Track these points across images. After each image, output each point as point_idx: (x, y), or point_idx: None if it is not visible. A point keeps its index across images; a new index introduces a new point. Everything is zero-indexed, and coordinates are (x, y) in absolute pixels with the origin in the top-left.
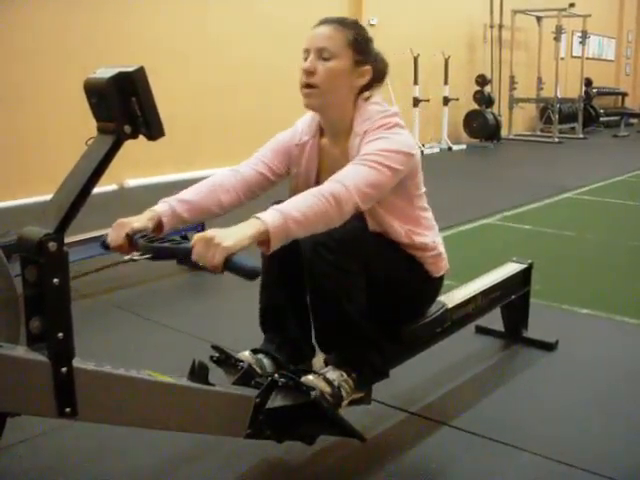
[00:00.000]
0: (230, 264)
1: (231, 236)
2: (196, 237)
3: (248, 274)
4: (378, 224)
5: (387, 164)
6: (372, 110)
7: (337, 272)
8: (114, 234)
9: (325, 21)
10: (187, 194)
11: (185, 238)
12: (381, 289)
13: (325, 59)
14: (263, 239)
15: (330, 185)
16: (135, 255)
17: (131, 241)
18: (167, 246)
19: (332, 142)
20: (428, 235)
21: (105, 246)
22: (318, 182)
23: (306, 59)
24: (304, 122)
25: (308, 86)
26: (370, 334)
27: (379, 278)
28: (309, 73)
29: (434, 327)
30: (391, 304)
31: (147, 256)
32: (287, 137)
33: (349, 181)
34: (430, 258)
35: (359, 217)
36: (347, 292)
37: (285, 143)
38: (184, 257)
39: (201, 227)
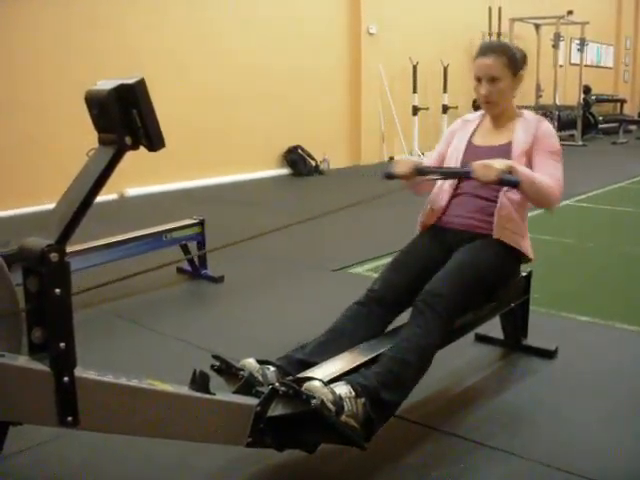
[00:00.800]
0: (502, 178)
1: (499, 163)
2: (475, 164)
3: (513, 183)
4: (522, 208)
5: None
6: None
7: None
8: (401, 166)
9: (484, 52)
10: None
11: (185, 247)
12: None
13: (494, 82)
14: (513, 170)
15: (550, 180)
16: (428, 177)
17: (415, 171)
18: (453, 169)
19: (493, 123)
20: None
21: (390, 176)
22: (470, 144)
23: (478, 81)
24: (473, 114)
25: (488, 102)
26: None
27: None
28: (487, 97)
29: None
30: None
31: (439, 177)
32: (457, 125)
33: (556, 181)
34: (528, 247)
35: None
36: (429, 352)
37: (453, 130)
38: (467, 176)
39: (201, 237)
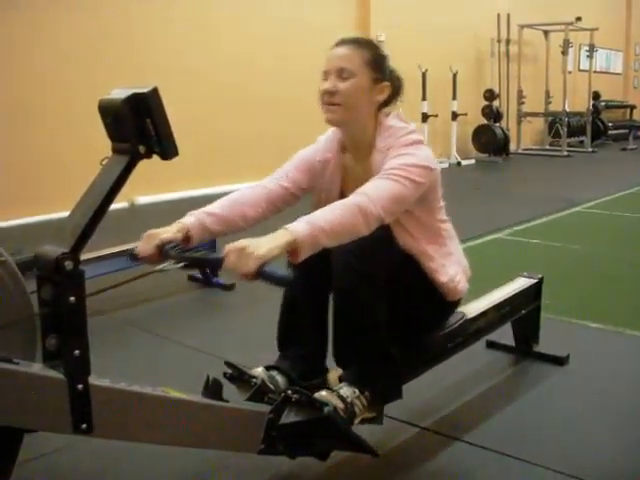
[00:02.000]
0: (263, 272)
1: (262, 245)
2: (228, 247)
3: (281, 281)
4: (402, 238)
5: (410, 177)
6: (393, 126)
7: (365, 282)
8: (144, 245)
9: (342, 42)
10: (213, 207)
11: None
12: (399, 302)
13: (344, 78)
14: (292, 248)
15: (356, 197)
16: (167, 265)
17: (160, 252)
18: (199, 256)
19: (354, 158)
20: (450, 264)
21: (134, 257)
22: (341, 197)
23: (326, 79)
24: (326, 139)
25: (330, 104)
26: (389, 351)
27: (397, 291)
28: (330, 93)
29: (454, 337)
30: (405, 318)
31: (179, 265)
32: (310, 153)
33: (374, 194)
34: (449, 284)
35: (386, 230)
36: (372, 305)
37: (308, 159)
38: (215, 267)
39: (213, 244)
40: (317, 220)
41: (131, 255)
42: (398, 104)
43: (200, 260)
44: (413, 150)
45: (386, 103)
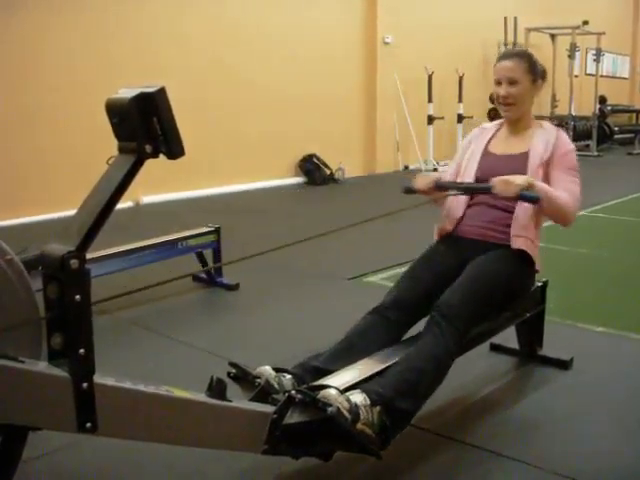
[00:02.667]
0: (522, 194)
1: (519, 179)
2: (496, 179)
3: (533, 200)
4: (538, 223)
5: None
6: (543, 124)
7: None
8: (422, 181)
9: (506, 56)
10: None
11: (201, 255)
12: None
13: (513, 84)
14: (530, 185)
15: (566, 194)
16: (450, 193)
17: (434, 186)
18: (474, 184)
19: (510, 130)
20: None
21: (410, 190)
22: (486, 150)
23: (498, 84)
24: (490, 123)
25: (507, 105)
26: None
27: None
28: (505, 97)
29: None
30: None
31: (459, 193)
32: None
33: (577, 200)
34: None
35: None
36: (444, 362)
37: (471, 138)
38: (487, 192)
39: (217, 244)
40: (550, 189)
41: (406, 188)
42: (404, 106)
43: (473, 187)
44: (575, 173)
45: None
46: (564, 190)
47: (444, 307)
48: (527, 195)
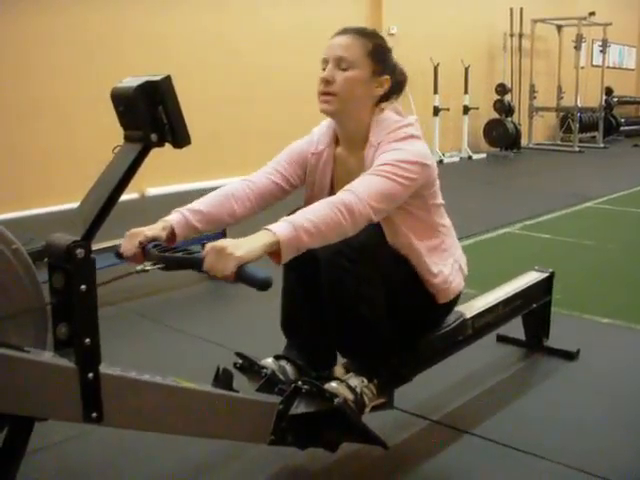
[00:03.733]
0: (242, 274)
1: (243, 246)
2: (208, 247)
3: (260, 284)
4: (395, 235)
5: (401, 174)
6: (388, 120)
7: (354, 279)
8: (127, 244)
9: (344, 31)
10: (200, 204)
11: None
12: (391, 301)
13: (344, 69)
14: (274, 250)
15: (342, 195)
16: (147, 265)
17: (144, 251)
18: (179, 256)
19: (348, 152)
20: (444, 263)
21: (119, 255)
22: (332, 192)
23: (324, 68)
24: (320, 131)
25: (326, 94)
26: (389, 339)
27: (389, 290)
28: (327, 82)
29: (452, 337)
30: (401, 319)
31: (159, 266)
32: (303, 146)
33: (362, 191)
34: (441, 285)
35: (377, 227)
36: (365, 298)
37: (301, 152)
38: (196, 267)
39: (222, 234)
40: (300, 220)
41: (116, 253)
42: (409, 97)
43: (180, 260)
44: (405, 145)
45: (386, 97)
46: (363, 178)
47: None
48: (250, 275)
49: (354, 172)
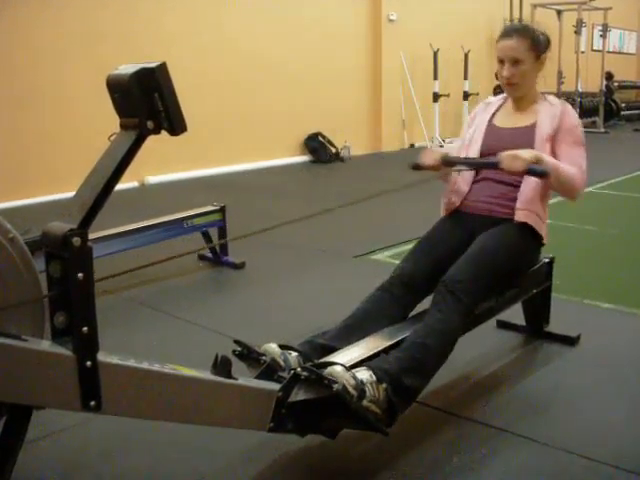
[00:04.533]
0: (529, 169)
1: (527, 153)
2: (502, 154)
3: (541, 174)
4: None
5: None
6: (547, 98)
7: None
8: (429, 156)
9: (507, 34)
10: None
11: (206, 234)
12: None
13: (516, 64)
14: (539, 160)
15: (577, 169)
16: (456, 168)
17: (442, 161)
18: (481, 160)
19: (515, 106)
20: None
21: (417, 167)
22: (490, 124)
23: (501, 63)
24: (494, 98)
25: (510, 84)
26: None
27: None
28: (509, 78)
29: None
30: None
31: (467, 169)
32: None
33: (584, 173)
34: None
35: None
36: (448, 336)
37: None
38: (495, 167)
39: (222, 223)
40: (558, 162)
41: (414, 165)
42: (409, 84)
43: (481, 162)
44: (581, 146)
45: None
46: (571, 164)
47: (450, 282)
48: (535, 169)
49: (518, 117)
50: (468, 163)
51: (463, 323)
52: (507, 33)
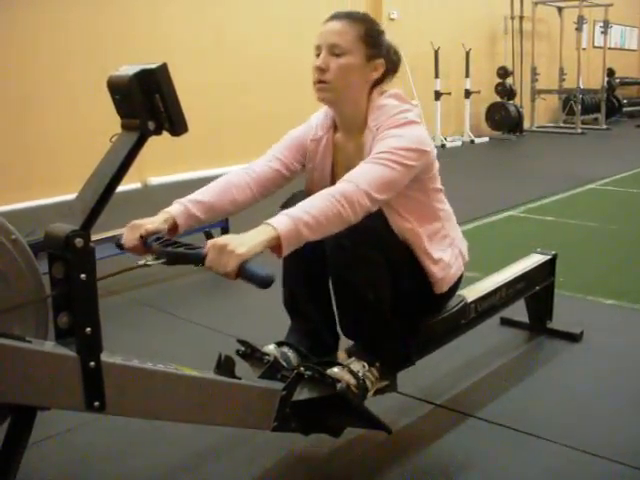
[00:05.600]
0: (244, 271)
1: (244, 243)
2: (209, 244)
3: (262, 282)
4: (396, 220)
5: (399, 161)
6: (387, 106)
7: (358, 262)
8: (129, 235)
9: (335, 16)
10: (200, 194)
11: (210, 235)
12: (393, 285)
13: (337, 55)
14: (275, 244)
15: (341, 185)
16: (149, 260)
17: (145, 243)
18: (180, 251)
19: (346, 137)
20: (444, 249)
21: (120, 246)
22: (333, 177)
23: (318, 55)
24: (318, 118)
25: (321, 82)
26: (392, 322)
27: (392, 274)
28: (321, 70)
29: (455, 321)
30: (403, 303)
31: (161, 261)
32: (301, 133)
33: (361, 180)
34: (439, 273)
35: (379, 212)
36: (369, 280)
37: (299, 139)
38: (197, 263)
39: (225, 223)
40: (300, 213)
41: (117, 244)
42: (410, 82)
43: (181, 255)
44: (403, 131)
45: (381, 80)
46: (362, 167)
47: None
48: (253, 272)
49: (354, 157)
50: (168, 253)
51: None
52: (335, 15)
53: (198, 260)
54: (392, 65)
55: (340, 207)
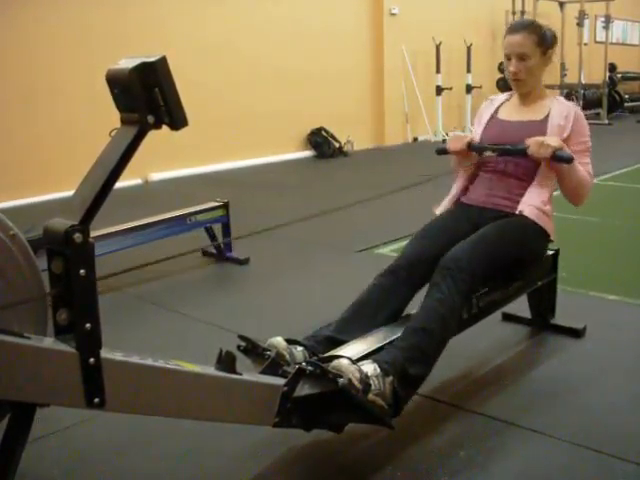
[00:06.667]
0: (555, 155)
1: (553, 140)
2: (529, 140)
3: (566, 160)
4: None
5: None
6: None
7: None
8: (455, 142)
9: (515, 30)
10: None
11: (210, 231)
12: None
13: (524, 60)
14: (562, 148)
15: (587, 175)
16: (486, 153)
17: (469, 147)
18: (507, 147)
19: (521, 101)
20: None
21: (443, 151)
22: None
23: (508, 59)
24: (500, 95)
25: (517, 80)
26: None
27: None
28: (516, 73)
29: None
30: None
31: (495, 154)
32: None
33: (591, 181)
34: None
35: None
36: (451, 319)
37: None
38: (521, 153)
39: (226, 220)
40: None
41: (439, 149)
42: (412, 77)
43: (507, 148)
44: (590, 155)
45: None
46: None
47: (450, 261)
48: (562, 155)
49: (526, 111)
50: (495, 149)
51: (463, 303)
52: (514, 29)
53: (522, 151)
54: (555, 44)
55: (587, 183)
